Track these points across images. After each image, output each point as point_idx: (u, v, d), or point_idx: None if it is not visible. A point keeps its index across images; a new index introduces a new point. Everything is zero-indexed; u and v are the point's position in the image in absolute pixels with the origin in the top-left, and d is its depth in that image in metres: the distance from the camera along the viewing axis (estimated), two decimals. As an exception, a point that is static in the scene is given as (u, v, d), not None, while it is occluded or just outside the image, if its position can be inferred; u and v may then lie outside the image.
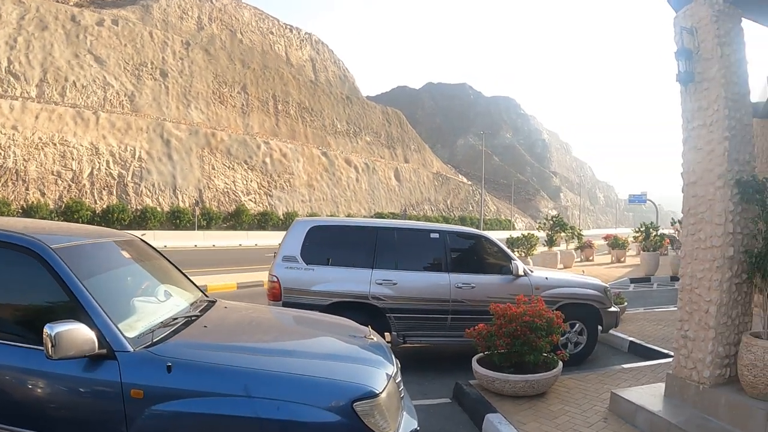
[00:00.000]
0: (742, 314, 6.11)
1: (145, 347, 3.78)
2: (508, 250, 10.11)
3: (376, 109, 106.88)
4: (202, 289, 5.83)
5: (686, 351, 6.24)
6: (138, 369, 3.66)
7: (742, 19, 6.40)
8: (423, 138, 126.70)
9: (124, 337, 3.76)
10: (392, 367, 4.57)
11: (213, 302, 5.47)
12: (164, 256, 5.72)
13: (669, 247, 33.88)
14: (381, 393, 4.00)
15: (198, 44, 75.31)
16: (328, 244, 9.29)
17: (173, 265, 5.74)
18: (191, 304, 5.14)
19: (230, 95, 74.87)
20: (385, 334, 8.75)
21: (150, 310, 4.53)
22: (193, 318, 4.66)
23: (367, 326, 5.42)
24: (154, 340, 3.89)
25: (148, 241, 5.75)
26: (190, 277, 5.92)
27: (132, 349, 3.71)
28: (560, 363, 7.64)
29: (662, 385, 6.73)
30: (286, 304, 8.50)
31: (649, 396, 6.55)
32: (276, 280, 8.79)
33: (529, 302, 7.90)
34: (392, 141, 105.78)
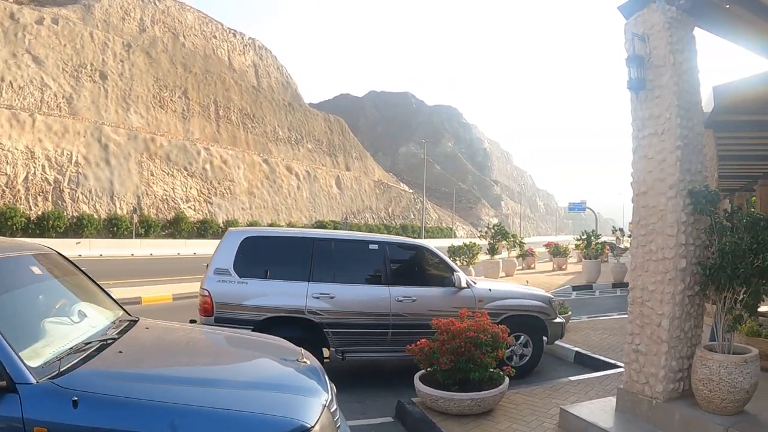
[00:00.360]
0: (695, 327, 6.01)
1: (49, 378, 3.34)
2: (451, 262, 9.91)
3: (319, 116, 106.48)
4: (123, 307, 5.32)
5: (638, 365, 6.09)
6: (41, 403, 3.22)
7: (695, 27, 6.32)
8: (365, 146, 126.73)
9: (26, 366, 3.31)
10: (327, 395, 4.18)
11: (134, 321, 5.01)
12: (83, 271, 5.22)
13: (609, 255, 34.33)
14: (314, 426, 3.64)
15: (139, 46, 73.76)
16: (262, 255, 8.92)
17: (92, 280, 5.27)
18: (109, 325, 4.69)
19: (171, 100, 73.60)
20: (323, 349, 8.50)
21: (62, 333, 4.07)
22: (108, 341, 4.21)
23: (300, 346, 5.13)
24: (61, 370, 3.44)
25: (84, 250, 5.31)
26: (112, 293, 5.47)
27: (35, 381, 3.26)
28: (507, 379, 7.40)
29: (613, 400, 6.57)
30: (218, 320, 8.12)
31: (600, 411, 6.38)
32: (207, 294, 8.33)
33: (473, 316, 7.63)
34: (334, 149, 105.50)
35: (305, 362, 4.62)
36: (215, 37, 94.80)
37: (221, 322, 8.00)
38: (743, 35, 7.22)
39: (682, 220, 5.83)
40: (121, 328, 4.68)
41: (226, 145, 74.79)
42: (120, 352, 4.09)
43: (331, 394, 4.32)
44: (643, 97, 6.30)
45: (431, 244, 11.30)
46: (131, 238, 48.13)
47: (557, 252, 36.46)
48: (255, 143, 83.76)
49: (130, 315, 5.25)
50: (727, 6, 6.38)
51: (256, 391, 3.86)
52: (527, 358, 9.62)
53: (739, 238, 5.44)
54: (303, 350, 4.94)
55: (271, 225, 63.79)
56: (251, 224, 61.73)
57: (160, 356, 4.58)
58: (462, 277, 9.36)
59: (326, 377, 4.60)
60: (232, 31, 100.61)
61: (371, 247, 9.42)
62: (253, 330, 7.63)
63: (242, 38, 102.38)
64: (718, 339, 5.61)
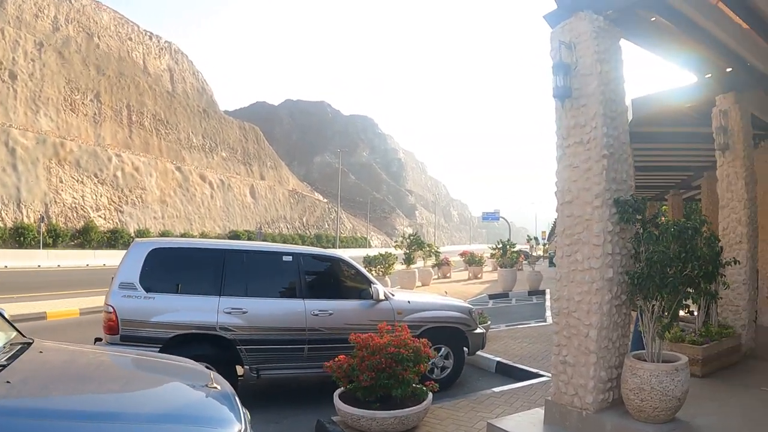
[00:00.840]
0: (622, 336, 6.01)
1: None
2: (368, 273, 9.71)
3: (234, 124, 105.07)
4: (16, 327, 4.81)
5: (566, 377, 6.03)
6: None
7: (621, 38, 6.34)
8: (280, 155, 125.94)
9: None
10: (239, 425, 3.80)
11: (28, 344, 4.50)
12: None
13: (524, 263, 34.80)
14: None
15: (52, 46, 70.77)
16: (170, 268, 8.43)
17: None
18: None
19: (82, 103, 70.91)
20: (237, 367, 8.13)
21: None
22: None
23: (212, 364, 4.80)
24: None
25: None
26: (13, 309, 5.03)
27: None
28: (430, 394, 7.17)
29: (540, 411, 6.49)
30: (124, 338, 7.62)
31: (528, 424, 6.27)
32: (112, 310, 7.74)
33: (393, 330, 7.39)
34: (248, 157, 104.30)
35: (215, 387, 4.24)
36: (131, 39, 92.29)
37: (127, 340, 7.57)
38: (666, 48, 7.35)
39: (608, 229, 5.81)
40: (12, 353, 4.21)
41: (138, 152, 72.85)
42: (8, 382, 3.59)
43: (245, 423, 3.97)
44: (569, 105, 6.25)
45: (347, 254, 11.06)
46: (38, 248, 46.29)
47: (473, 261, 36.82)
48: (168, 150, 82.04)
49: (24, 336, 4.77)
50: (653, 18, 6.43)
51: (161, 425, 3.48)
52: (448, 370, 9.49)
53: (666, 247, 5.44)
54: (213, 373, 4.57)
55: (183, 235, 62.66)
56: (163, 234, 60.48)
57: (54, 386, 4.04)
58: (380, 289, 9.17)
59: (239, 403, 4.22)
60: (149, 34, 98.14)
61: (285, 258, 9.10)
62: (161, 348, 7.33)
63: (158, 41, 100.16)
64: (646, 347, 5.61)
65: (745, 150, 9.46)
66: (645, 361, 5.49)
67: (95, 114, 72.62)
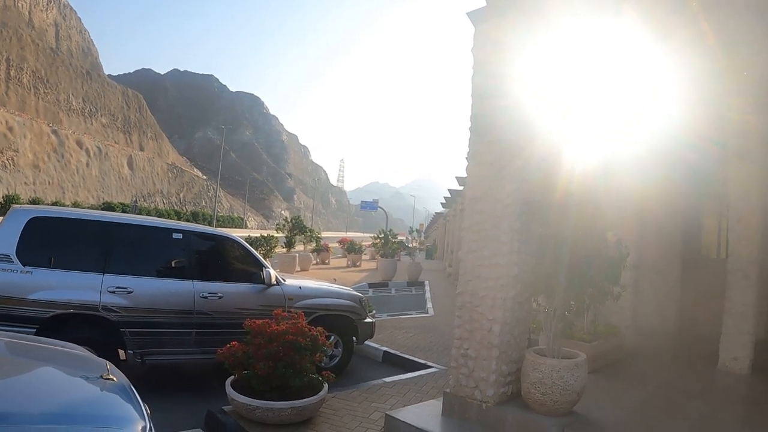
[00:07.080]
0: (523, 332, 6.19)
1: None
2: (260, 256, 9.47)
3: (117, 89, 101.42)
4: None
5: (467, 370, 6.13)
6: None
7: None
8: (161, 126, 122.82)
9: None
10: (142, 422, 3.27)
11: None
12: None
13: (403, 253, 35.23)
14: None
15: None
16: (52, 240, 7.72)
17: None
18: None
19: (-44, 53, 67.56)
20: (120, 351, 7.60)
21: None
22: None
23: (93, 348, 4.46)
24: None
25: None
26: None
27: None
28: (326, 384, 7.05)
29: (436, 403, 6.61)
30: None
31: (427, 416, 6.34)
32: None
33: (289, 317, 7.23)
34: (129, 126, 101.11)
35: (111, 379, 3.67)
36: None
37: (1, 320, 6.89)
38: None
39: (516, 227, 5.93)
40: None
41: (13, 110, 69.06)
42: None
43: (147, 420, 3.41)
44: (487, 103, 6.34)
45: (235, 235, 10.79)
46: None
47: (352, 248, 37.04)
48: (45, 111, 78.30)
49: None
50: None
51: (53, 426, 2.91)
52: (337, 359, 9.50)
53: (570, 249, 5.58)
54: (108, 363, 4.04)
55: (55, 204, 59.89)
56: (33, 202, 57.76)
57: None
58: (272, 273, 9.00)
59: (138, 397, 3.69)
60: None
61: (175, 236, 8.62)
62: (37, 329, 6.82)
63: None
64: (547, 344, 5.79)
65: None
66: (545, 356, 5.65)
67: (-30, 66, 68.91)
